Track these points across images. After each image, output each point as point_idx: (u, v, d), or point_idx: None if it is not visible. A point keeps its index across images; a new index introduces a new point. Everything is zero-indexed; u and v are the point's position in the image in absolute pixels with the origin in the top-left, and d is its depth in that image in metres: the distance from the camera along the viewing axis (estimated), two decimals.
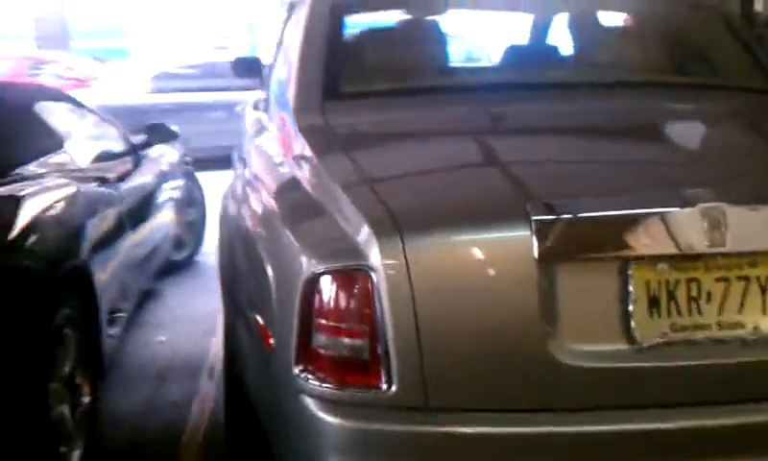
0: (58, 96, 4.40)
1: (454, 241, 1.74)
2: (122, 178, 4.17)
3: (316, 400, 1.78)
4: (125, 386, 3.60)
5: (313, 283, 1.75)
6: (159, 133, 4.90)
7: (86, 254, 3.18)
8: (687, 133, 2.30)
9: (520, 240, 1.69)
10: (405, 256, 1.69)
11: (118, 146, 4.50)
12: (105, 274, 3.38)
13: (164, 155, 5.10)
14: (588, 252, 1.72)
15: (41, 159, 3.42)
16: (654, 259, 1.72)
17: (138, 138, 4.76)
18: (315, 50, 2.59)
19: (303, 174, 2.16)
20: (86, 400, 3.03)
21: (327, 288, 1.75)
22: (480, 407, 1.73)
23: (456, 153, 2.17)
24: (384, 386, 1.72)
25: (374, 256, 1.70)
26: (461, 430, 1.72)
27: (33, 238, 2.82)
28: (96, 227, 3.38)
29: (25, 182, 3.10)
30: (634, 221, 1.72)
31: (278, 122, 2.67)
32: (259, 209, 2.32)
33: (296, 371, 1.80)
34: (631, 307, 1.72)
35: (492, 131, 2.30)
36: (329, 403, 1.77)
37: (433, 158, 2.13)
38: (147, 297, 4.59)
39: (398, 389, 1.71)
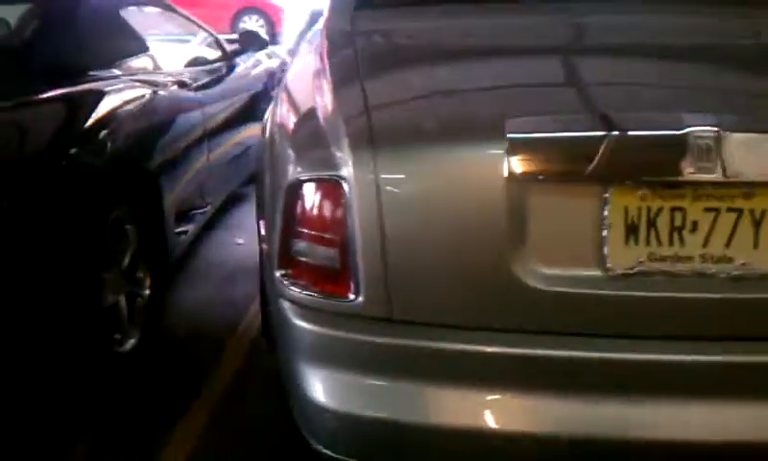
0: (149, 2, 4.54)
1: (426, 157, 1.71)
2: (211, 84, 4.31)
3: (292, 305, 1.83)
4: (194, 283, 3.80)
5: (293, 191, 1.78)
6: (252, 41, 4.98)
7: (154, 156, 3.33)
8: (720, 53, 2.10)
9: (494, 158, 1.63)
10: (375, 170, 1.68)
11: (211, 53, 4.62)
12: (176, 175, 3.53)
13: (261, 63, 5.19)
14: (563, 173, 1.65)
15: (122, 62, 3.56)
16: (635, 184, 1.63)
17: (233, 46, 4.87)
18: None
19: (315, 80, 2.16)
20: (146, 291, 3.23)
21: (305, 196, 1.77)
22: (443, 323, 1.72)
23: (462, 68, 2.09)
24: (352, 296, 1.74)
25: (347, 168, 1.71)
26: (422, 344, 1.71)
27: (95, 136, 2.97)
28: (169, 129, 3.52)
29: (99, 83, 3.25)
30: (614, 143, 1.62)
31: (319, 29, 2.67)
32: (275, 117, 2.35)
33: (277, 275, 1.85)
34: (605, 233, 1.64)
35: (508, 47, 2.19)
36: (303, 309, 1.81)
37: (436, 72, 2.07)
38: (235, 200, 4.76)
39: (364, 300, 1.73)
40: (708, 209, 1.63)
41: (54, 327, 2.68)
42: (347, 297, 1.74)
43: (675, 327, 1.67)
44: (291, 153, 1.90)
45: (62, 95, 3.02)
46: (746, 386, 1.66)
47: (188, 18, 4.61)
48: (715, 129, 1.57)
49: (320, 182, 1.75)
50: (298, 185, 1.78)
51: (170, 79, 3.83)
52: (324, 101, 1.96)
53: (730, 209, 1.63)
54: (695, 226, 1.64)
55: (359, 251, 1.71)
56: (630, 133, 1.63)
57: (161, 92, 3.62)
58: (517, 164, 1.62)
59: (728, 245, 1.64)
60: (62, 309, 2.70)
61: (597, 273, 1.66)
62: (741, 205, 1.63)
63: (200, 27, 4.69)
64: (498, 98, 1.88)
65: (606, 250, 1.65)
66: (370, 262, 1.70)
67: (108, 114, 3.11)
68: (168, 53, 4.06)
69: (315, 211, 1.77)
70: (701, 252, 1.64)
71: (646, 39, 2.10)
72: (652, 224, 1.64)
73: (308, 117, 1.99)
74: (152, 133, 3.36)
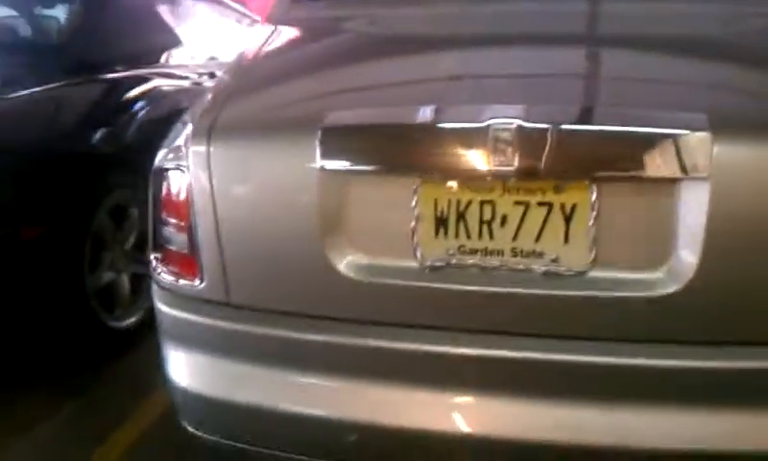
0: None
1: (250, 147, 1.76)
2: None
3: (159, 289, 1.94)
4: None
5: (155, 178, 1.89)
6: None
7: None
8: (555, 42, 1.95)
9: (310, 148, 1.66)
10: (209, 160, 1.76)
11: None
12: None
13: None
14: (372, 163, 1.65)
15: (152, 56, 3.79)
16: (444, 177, 1.61)
17: None
18: None
19: (228, 66, 2.26)
20: None
21: (163, 184, 1.87)
22: (272, 309, 1.77)
23: (338, 60, 2.08)
24: (197, 281, 1.82)
25: (189, 158, 1.79)
26: (250, 329, 1.77)
27: (99, 126, 3.21)
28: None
29: (120, 76, 3.49)
30: (419, 134, 1.61)
31: None
32: None
33: (151, 258, 1.96)
34: (414, 225, 1.63)
35: (388, 38, 2.15)
36: (164, 292, 1.92)
37: (307, 62, 2.09)
38: None
39: (206, 284, 1.81)
40: (517, 203, 1.59)
41: (40, 292, 2.93)
42: (194, 281, 1.83)
43: (487, 322, 1.63)
44: (165, 139, 1.99)
45: (82, 88, 3.29)
46: (556, 386, 1.61)
47: (237, 10, 4.79)
48: (515, 121, 1.52)
49: (172, 171, 1.85)
50: (159, 173, 1.88)
51: (200, 71, 4.02)
52: (209, 90, 2.06)
53: (540, 203, 1.57)
54: (504, 219, 1.60)
55: (200, 236, 1.79)
56: (435, 124, 1.61)
57: (185, 84, 3.82)
58: (329, 154, 1.64)
59: (538, 240, 1.59)
60: (47, 279, 2.94)
61: (410, 264, 1.65)
62: (552, 199, 1.57)
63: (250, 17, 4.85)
64: (341, 90, 1.89)
65: (416, 241, 1.64)
66: (207, 247, 1.78)
67: (119, 105, 3.35)
68: (204, 46, 4.24)
69: (169, 198, 1.86)
70: (511, 246, 1.60)
71: (482, 29, 2.03)
72: (461, 217, 1.61)
73: (192, 106, 2.08)
74: (163, 123, 3.54)
